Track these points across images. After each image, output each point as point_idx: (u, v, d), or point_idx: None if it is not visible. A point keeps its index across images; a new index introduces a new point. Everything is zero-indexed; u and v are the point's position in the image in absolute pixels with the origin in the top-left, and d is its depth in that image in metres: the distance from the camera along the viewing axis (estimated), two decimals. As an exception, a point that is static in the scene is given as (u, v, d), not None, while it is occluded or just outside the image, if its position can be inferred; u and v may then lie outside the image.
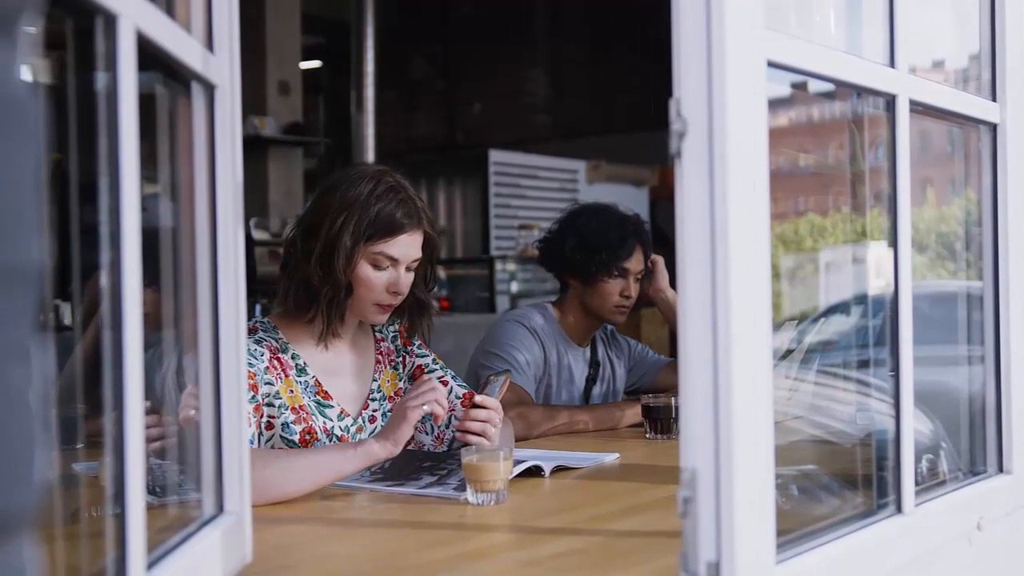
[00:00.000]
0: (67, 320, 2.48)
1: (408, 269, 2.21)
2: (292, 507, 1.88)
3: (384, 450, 1.95)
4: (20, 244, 0.58)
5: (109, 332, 1.00)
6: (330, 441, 2.18)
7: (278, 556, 1.53)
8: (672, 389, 2.94)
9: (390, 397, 2.34)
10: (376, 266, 2.17)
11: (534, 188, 8.08)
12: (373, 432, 2.25)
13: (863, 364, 1.95)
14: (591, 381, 3.10)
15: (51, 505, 1.02)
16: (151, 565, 1.08)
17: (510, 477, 1.91)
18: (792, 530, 1.32)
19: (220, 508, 1.36)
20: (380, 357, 2.36)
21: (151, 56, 1.11)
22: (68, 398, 1.72)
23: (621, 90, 9.17)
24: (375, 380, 2.33)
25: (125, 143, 1.00)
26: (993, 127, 1.80)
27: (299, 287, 2.18)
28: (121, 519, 1.00)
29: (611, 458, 2.33)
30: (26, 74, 0.61)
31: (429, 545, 1.62)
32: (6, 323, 0.57)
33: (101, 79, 1.01)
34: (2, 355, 0.56)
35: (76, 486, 1.43)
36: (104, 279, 1.00)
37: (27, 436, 0.58)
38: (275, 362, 2.16)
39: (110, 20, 0.99)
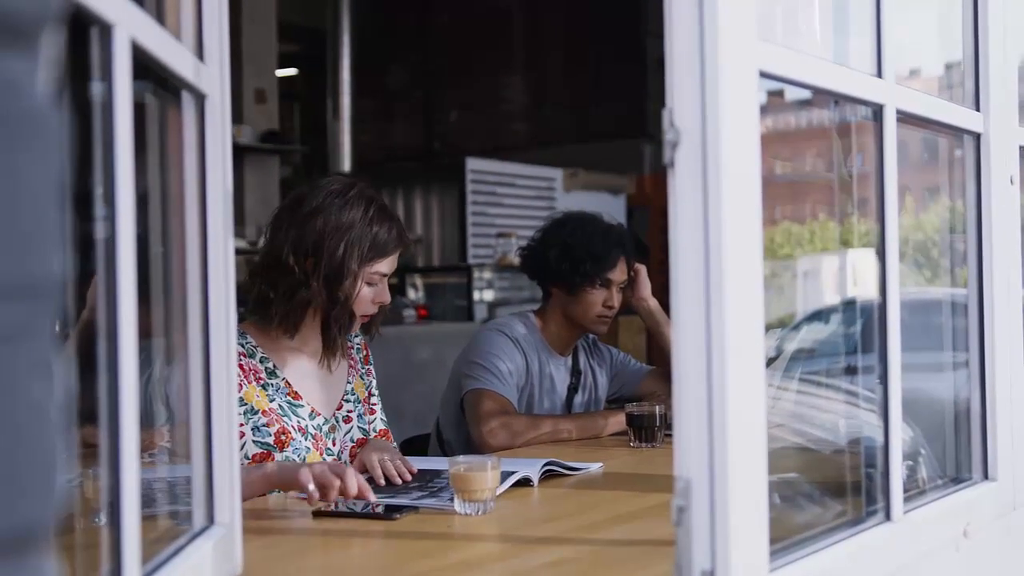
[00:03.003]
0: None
1: (389, 280, 2.33)
2: (282, 519, 1.87)
3: (273, 469, 2.00)
4: (42, 258, 0.58)
5: (104, 343, 0.99)
6: (305, 439, 2.24)
7: (268, 568, 1.53)
8: (654, 397, 2.95)
9: (363, 400, 2.42)
10: (369, 284, 2.27)
11: (511, 196, 8.08)
12: (348, 432, 2.35)
13: (844, 372, 1.96)
14: (573, 390, 3.10)
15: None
16: (145, 578, 1.07)
17: (501, 490, 1.91)
18: (784, 538, 1.33)
19: (211, 520, 1.35)
20: (352, 362, 2.44)
21: (142, 65, 1.10)
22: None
23: (598, 98, 9.20)
24: (349, 383, 2.40)
25: (120, 152, 1.00)
26: (977, 136, 1.81)
27: (299, 308, 2.24)
28: (116, 531, 0.99)
29: (596, 467, 2.33)
30: (46, 87, 0.61)
31: (419, 556, 1.62)
32: (29, 337, 0.57)
33: (96, 88, 1.00)
34: (26, 369, 0.56)
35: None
36: (99, 289, 1.00)
37: (50, 450, 0.58)
38: (238, 368, 2.17)
39: (105, 30, 0.98)
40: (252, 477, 1.97)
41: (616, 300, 2.99)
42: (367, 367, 2.49)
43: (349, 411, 2.38)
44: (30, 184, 0.57)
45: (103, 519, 1.08)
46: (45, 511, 0.58)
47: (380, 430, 2.46)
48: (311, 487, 1.85)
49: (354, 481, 1.86)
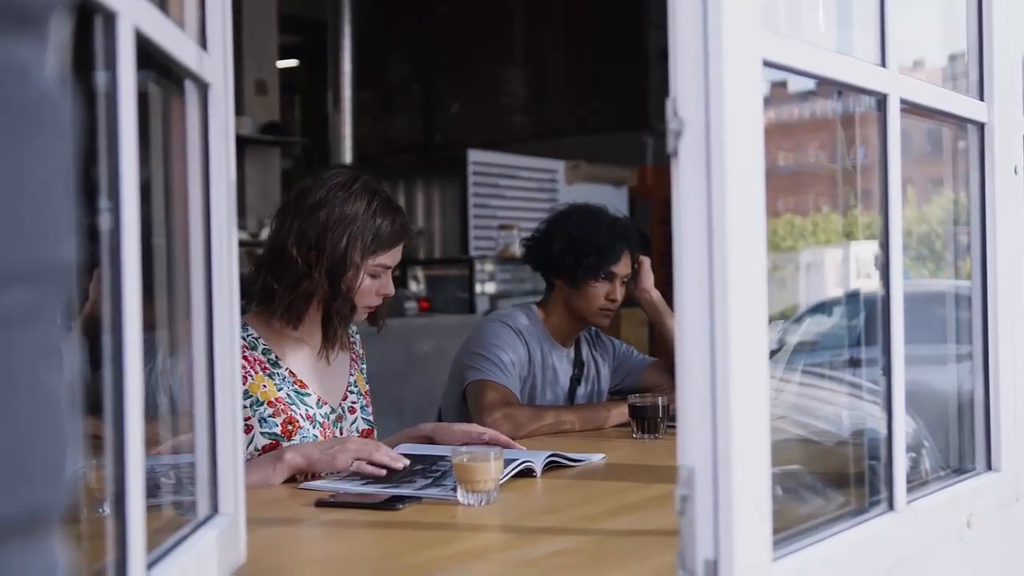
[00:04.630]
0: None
1: (393, 272, 2.34)
2: (286, 509, 1.88)
3: (298, 460, 2.06)
4: (52, 243, 0.58)
5: (109, 335, 0.99)
6: (313, 427, 2.26)
7: (272, 557, 1.53)
8: (656, 389, 2.95)
9: (364, 393, 2.45)
10: (373, 276, 2.28)
11: (513, 188, 8.08)
12: (354, 422, 2.39)
13: (848, 363, 1.96)
14: (575, 381, 3.11)
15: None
16: (150, 566, 1.07)
17: (503, 479, 1.90)
18: (788, 528, 1.33)
19: (215, 509, 1.35)
20: (353, 355, 2.46)
21: (145, 54, 1.10)
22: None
23: (599, 90, 9.19)
24: (351, 375, 2.43)
25: (124, 142, 0.99)
26: (981, 126, 1.81)
27: (302, 300, 2.25)
28: (121, 520, 0.99)
29: (598, 458, 2.33)
30: (55, 73, 0.61)
31: (422, 546, 1.62)
32: (39, 322, 0.57)
33: (100, 77, 1.00)
34: (36, 354, 0.56)
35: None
36: (104, 280, 0.99)
37: (60, 434, 0.58)
38: (242, 360, 2.18)
39: (109, 18, 0.98)
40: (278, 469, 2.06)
41: (619, 293, 2.99)
42: (363, 365, 2.52)
43: (353, 402, 2.41)
44: (41, 170, 0.58)
45: (107, 510, 1.08)
46: (56, 496, 0.58)
47: (364, 429, 2.46)
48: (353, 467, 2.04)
49: (383, 457, 2.06)
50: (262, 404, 2.20)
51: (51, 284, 0.58)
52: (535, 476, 2.10)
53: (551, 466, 2.18)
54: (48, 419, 0.58)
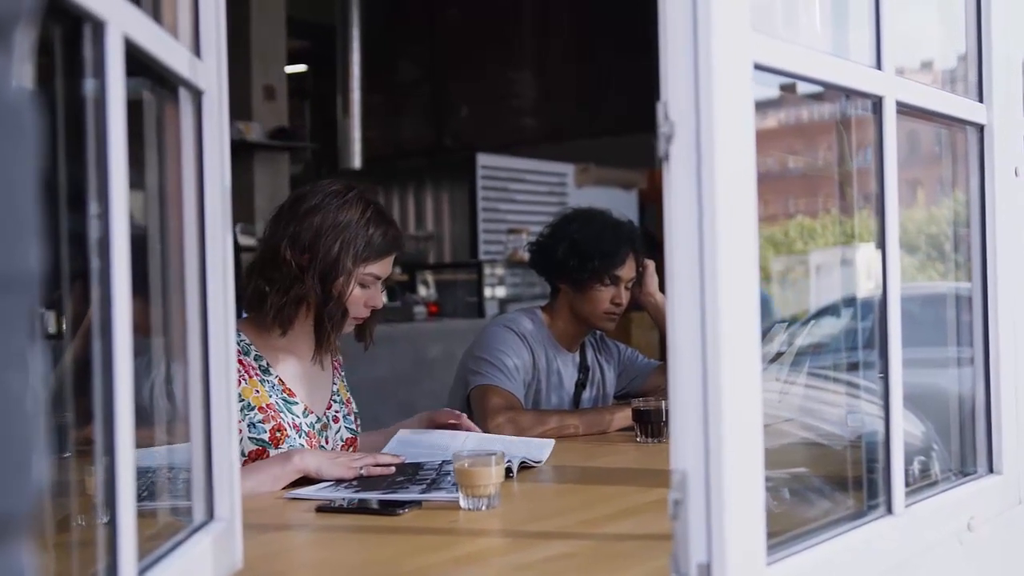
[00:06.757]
0: (51, 328, 2.49)
1: (383, 284, 2.37)
2: (283, 515, 1.88)
3: (306, 463, 2.09)
4: (18, 251, 0.59)
5: (99, 341, 0.99)
6: (299, 436, 2.28)
7: (268, 563, 1.53)
8: (662, 392, 2.94)
9: (346, 402, 2.47)
10: (363, 285, 2.30)
11: (522, 192, 8.07)
12: (337, 431, 2.40)
13: (853, 366, 1.96)
14: (581, 386, 3.10)
15: (41, 513, 1.02)
16: (142, 572, 1.07)
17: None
18: (783, 531, 1.32)
19: (210, 515, 1.35)
20: (336, 364, 2.48)
21: (138, 62, 1.10)
22: (56, 407, 1.72)
23: (609, 93, 9.17)
24: (334, 384, 2.45)
25: (113, 149, 1.00)
26: (980, 128, 1.80)
27: (294, 303, 2.27)
28: (112, 526, 0.99)
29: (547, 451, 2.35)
30: (22, 81, 0.61)
31: (421, 550, 1.62)
32: (5, 329, 0.57)
33: (89, 85, 1.00)
34: (2, 361, 0.57)
35: (65, 494, 1.43)
36: (93, 287, 1.00)
37: (26, 441, 0.59)
38: (236, 364, 2.19)
39: (98, 27, 0.99)
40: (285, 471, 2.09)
41: (624, 297, 2.99)
42: (342, 374, 2.52)
43: (336, 412, 2.42)
44: (6, 178, 0.58)
45: (101, 516, 1.08)
46: (22, 501, 0.59)
47: (347, 438, 2.46)
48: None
49: (386, 459, 2.18)
50: (253, 409, 2.22)
51: (17, 292, 0.59)
52: (512, 477, 2.11)
53: (525, 464, 2.23)
54: (13, 425, 0.58)
